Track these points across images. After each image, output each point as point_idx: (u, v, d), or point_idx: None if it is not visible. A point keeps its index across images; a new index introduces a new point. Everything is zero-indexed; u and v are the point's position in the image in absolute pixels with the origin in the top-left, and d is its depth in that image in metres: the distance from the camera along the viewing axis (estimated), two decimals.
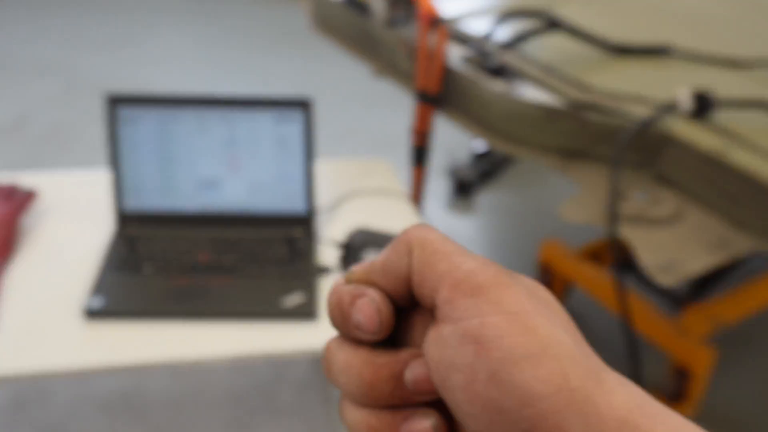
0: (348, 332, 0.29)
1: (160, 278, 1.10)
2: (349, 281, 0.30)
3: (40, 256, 1.16)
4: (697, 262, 0.96)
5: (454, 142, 3.33)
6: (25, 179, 1.28)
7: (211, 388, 1.43)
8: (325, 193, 1.35)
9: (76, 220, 1.24)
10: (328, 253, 1.18)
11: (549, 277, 2.26)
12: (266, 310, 1.06)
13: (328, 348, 0.30)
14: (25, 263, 1.14)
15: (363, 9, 1.53)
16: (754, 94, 1.22)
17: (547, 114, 1.18)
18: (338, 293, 0.29)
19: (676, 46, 1.41)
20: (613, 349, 2.25)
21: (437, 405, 0.28)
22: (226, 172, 1.22)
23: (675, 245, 1.01)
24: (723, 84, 1.29)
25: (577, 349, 0.26)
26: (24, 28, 4.43)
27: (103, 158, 2.58)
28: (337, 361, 0.29)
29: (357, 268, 0.30)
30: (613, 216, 1.02)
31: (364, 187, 1.37)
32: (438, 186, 3.03)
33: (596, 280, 2.04)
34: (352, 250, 1.09)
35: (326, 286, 1.13)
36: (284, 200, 1.23)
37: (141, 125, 1.20)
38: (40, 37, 4.30)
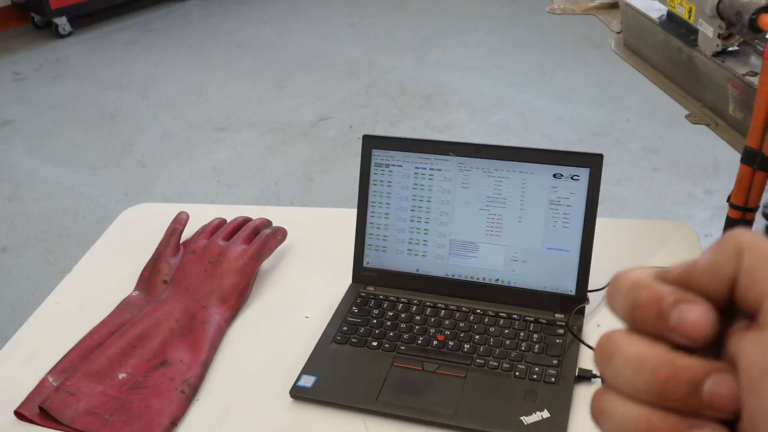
0: (655, 330, 0.28)
1: (385, 358, 0.94)
2: (663, 279, 0.29)
3: (265, 308, 1.05)
4: None
5: None
6: (269, 214, 1.19)
7: None
8: (603, 264, 1.08)
9: (316, 267, 1.13)
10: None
11: None
12: (500, 427, 0.84)
13: (610, 338, 0.30)
14: (252, 314, 1.04)
15: (688, 32, 1.22)
16: None
17: None
18: (653, 290, 0.29)
19: None
20: None
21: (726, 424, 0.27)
22: (484, 236, 1.02)
23: None
24: None
25: None
26: (333, 28, 4.61)
27: None
28: (625, 352, 0.29)
29: (675, 267, 0.30)
30: None
31: (654, 260, 1.08)
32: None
33: None
34: None
35: (585, 397, 0.88)
36: (550, 277, 1.00)
37: (395, 171, 1.04)
38: (355, 37, 4.44)
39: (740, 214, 1.08)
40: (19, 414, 0.88)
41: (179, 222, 1.14)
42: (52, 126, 3.53)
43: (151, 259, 1.11)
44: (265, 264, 1.12)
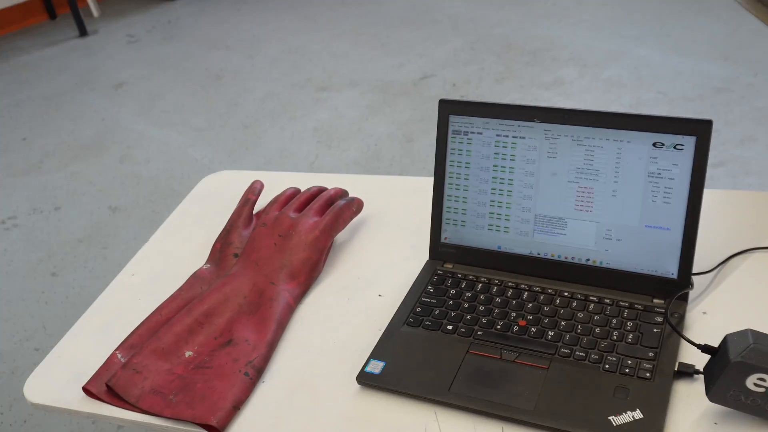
0: None
1: (460, 344, 0.86)
2: None
3: (338, 284, 1.00)
4: None
5: None
6: (346, 183, 1.12)
7: None
8: (710, 243, 0.96)
9: (392, 241, 1.06)
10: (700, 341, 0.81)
11: None
12: (585, 427, 0.75)
13: None
14: (323, 291, 0.99)
15: None
16: None
17: None
18: None
19: None
20: None
21: None
22: (573, 211, 0.92)
23: None
24: None
25: None
26: None
27: None
28: None
29: None
30: None
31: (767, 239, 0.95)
32: None
33: None
34: (732, 366, 0.71)
35: (684, 396, 0.78)
36: (648, 257, 0.89)
37: (475, 140, 0.95)
38: None
39: None
40: (86, 390, 0.87)
41: (252, 192, 1.10)
42: (161, 87, 3.61)
43: (223, 230, 1.07)
44: (339, 237, 1.07)
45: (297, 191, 1.09)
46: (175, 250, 1.11)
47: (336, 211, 1.03)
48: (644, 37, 3.41)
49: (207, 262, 1.05)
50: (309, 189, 1.09)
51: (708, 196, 1.00)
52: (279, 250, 0.99)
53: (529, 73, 3.26)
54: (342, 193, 1.09)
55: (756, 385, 0.71)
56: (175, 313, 0.96)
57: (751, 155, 2.50)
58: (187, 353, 0.90)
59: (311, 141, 3.00)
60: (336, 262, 1.04)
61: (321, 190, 1.09)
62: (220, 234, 1.07)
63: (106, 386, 0.87)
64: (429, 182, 1.10)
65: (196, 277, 1.02)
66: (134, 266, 1.09)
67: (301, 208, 1.05)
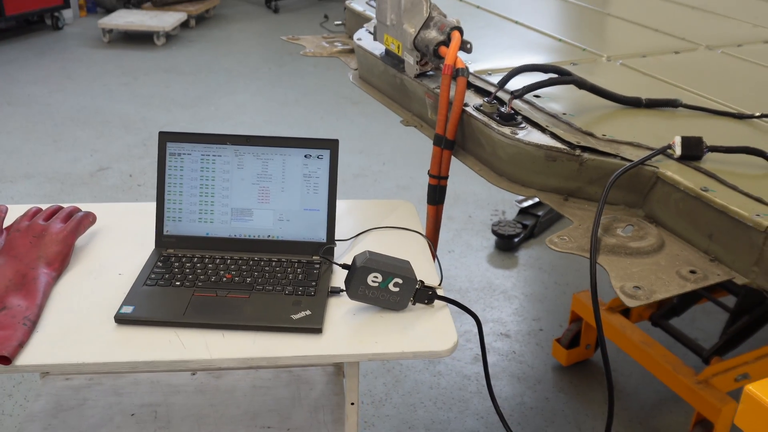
0: None
1: (186, 292, 1.24)
2: None
3: (87, 269, 1.31)
4: (665, 290, 1.03)
5: (499, 200, 3.42)
6: (84, 206, 1.44)
7: (231, 406, 1.54)
8: (346, 227, 1.47)
9: (123, 242, 1.40)
10: (342, 278, 1.29)
11: (580, 328, 2.29)
12: (277, 322, 1.17)
13: None
14: (75, 274, 1.29)
15: (399, 62, 1.67)
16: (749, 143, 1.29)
17: (547, 154, 1.28)
18: None
19: (684, 100, 1.49)
20: (640, 400, 2.26)
21: None
22: (257, 203, 1.36)
23: (647, 274, 1.07)
24: (725, 134, 1.36)
25: None
26: (111, 90, 4.78)
27: None
28: None
29: None
30: (595, 246, 1.10)
31: (384, 223, 1.48)
32: (481, 241, 3.11)
33: (621, 332, 2.08)
34: (358, 270, 1.19)
35: (337, 305, 1.24)
36: (307, 230, 1.36)
37: (186, 158, 1.35)
38: (129, 96, 4.64)
39: (436, 181, 1.53)
40: None
41: (0, 211, 1.36)
42: None
43: None
44: (80, 240, 1.37)
45: (39, 209, 1.38)
46: None
47: (78, 218, 1.35)
48: (296, 134, 4.09)
49: None
50: (50, 206, 1.38)
51: (347, 203, 1.52)
52: (34, 246, 1.28)
53: None
54: (77, 210, 1.40)
55: (372, 281, 1.20)
56: None
57: None
58: None
59: None
60: (80, 256, 1.34)
61: (60, 207, 1.39)
62: None
63: None
64: (145, 205, 1.46)
65: None
66: None
67: (47, 220, 1.34)
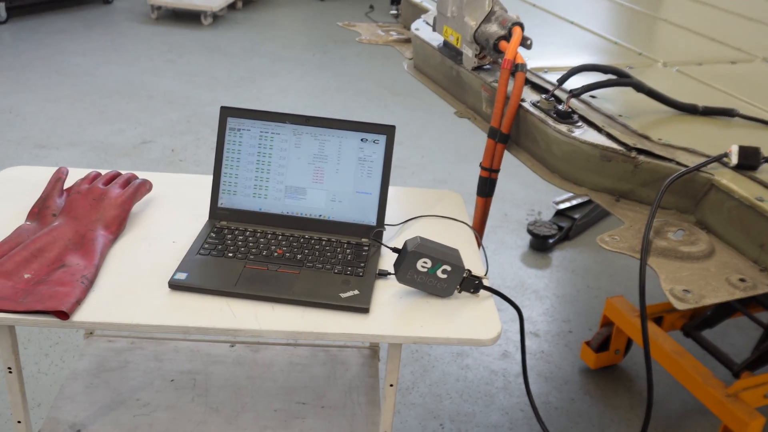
0: None
1: (238, 263, 1.26)
2: None
3: (142, 235, 1.34)
4: (714, 295, 1.04)
5: (536, 200, 3.43)
6: (141, 174, 1.48)
7: (268, 380, 1.57)
8: (396, 213, 1.49)
9: (178, 211, 1.43)
10: (390, 262, 1.31)
11: (611, 332, 2.30)
12: (325, 299, 1.20)
13: None
14: (130, 239, 1.33)
15: (456, 54, 1.69)
16: None
17: (602, 154, 1.29)
18: None
19: (740, 110, 1.49)
20: (665, 409, 2.26)
21: None
22: (311, 183, 1.38)
23: (697, 279, 1.08)
24: None
25: None
26: (156, 66, 4.85)
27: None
28: None
29: None
30: (646, 247, 1.10)
31: (431, 211, 1.50)
32: (516, 240, 3.12)
33: (653, 340, 2.08)
34: (409, 254, 1.21)
35: (384, 287, 1.26)
36: (358, 212, 1.38)
37: (245, 134, 1.38)
38: (174, 73, 4.70)
39: (487, 174, 1.54)
40: None
41: (61, 173, 1.40)
42: None
43: (39, 198, 1.35)
44: (136, 207, 1.41)
45: (99, 174, 1.41)
46: None
47: (137, 185, 1.38)
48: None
49: (27, 220, 1.32)
50: (109, 171, 1.42)
51: (397, 189, 1.54)
52: (94, 209, 1.31)
53: None
54: (135, 177, 1.43)
55: (422, 266, 1.22)
56: (6, 253, 1.22)
57: None
58: (26, 275, 1.17)
59: None
60: (135, 222, 1.37)
61: (118, 173, 1.43)
62: (36, 201, 1.35)
63: None
64: (203, 177, 1.49)
65: (20, 229, 1.28)
66: None
67: (106, 185, 1.38)
